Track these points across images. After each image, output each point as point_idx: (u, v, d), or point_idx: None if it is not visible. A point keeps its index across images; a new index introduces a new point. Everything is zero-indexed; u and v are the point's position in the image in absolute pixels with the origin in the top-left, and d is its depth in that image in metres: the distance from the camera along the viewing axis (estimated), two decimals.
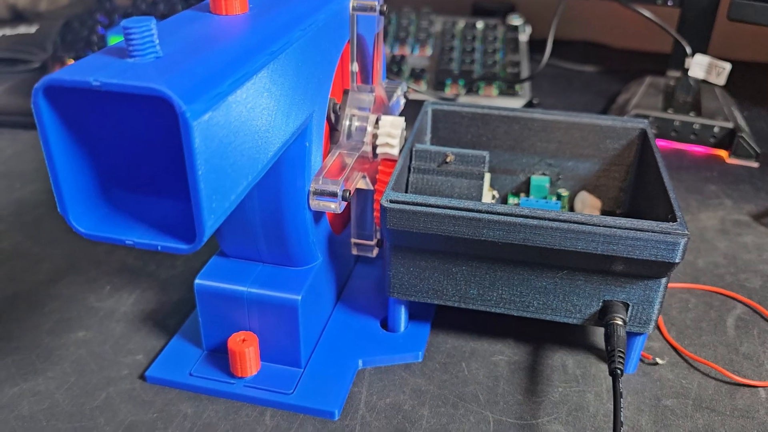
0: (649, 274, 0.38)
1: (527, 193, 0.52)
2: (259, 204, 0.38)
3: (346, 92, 0.43)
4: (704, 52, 0.79)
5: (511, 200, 0.52)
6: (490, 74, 0.81)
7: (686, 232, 0.36)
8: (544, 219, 0.37)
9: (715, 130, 0.70)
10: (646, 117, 0.71)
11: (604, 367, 0.42)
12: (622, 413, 0.35)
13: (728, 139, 0.69)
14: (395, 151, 0.44)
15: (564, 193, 0.51)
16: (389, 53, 0.87)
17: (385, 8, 0.42)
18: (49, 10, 0.91)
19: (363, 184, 0.43)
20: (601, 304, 0.39)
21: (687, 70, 0.71)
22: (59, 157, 0.27)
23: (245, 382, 0.40)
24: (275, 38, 0.32)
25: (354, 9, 0.41)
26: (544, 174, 0.52)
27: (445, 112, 0.51)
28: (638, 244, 0.36)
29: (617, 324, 0.38)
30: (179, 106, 0.24)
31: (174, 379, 0.41)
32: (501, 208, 0.38)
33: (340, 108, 0.42)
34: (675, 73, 0.82)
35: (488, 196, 0.49)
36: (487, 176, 0.48)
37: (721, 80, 0.69)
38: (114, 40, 0.74)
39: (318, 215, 0.41)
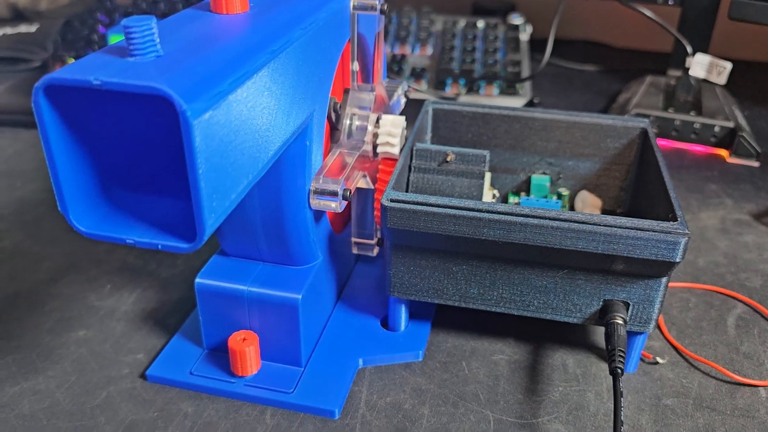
0: (649, 273, 0.38)
1: (528, 193, 0.52)
2: (259, 203, 0.38)
3: (346, 91, 0.43)
4: (705, 51, 0.79)
5: (512, 199, 0.52)
6: (491, 73, 0.81)
7: (687, 232, 0.36)
8: (545, 218, 0.37)
9: (716, 129, 0.70)
10: (646, 116, 0.71)
11: (605, 366, 0.42)
12: (622, 412, 0.35)
13: (729, 139, 0.69)
14: (396, 150, 0.44)
15: (564, 192, 0.51)
16: (390, 52, 0.87)
17: (385, 7, 0.42)
18: (50, 9, 0.91)
19: (363, 183, 0.43)
20: (601, 303, 0.39)
21: (688, 69, 0.71)
22: (60, 156, 0.27)
23: (246, 381, 0.40)
24: (276, 37, 0.32)
25: (355, 8, 0.41)
26: (544, 173, 0.52)
27: (445, 112, 0.51)
28: (639, 244, 0.36)
29: (618, 323, 0.38)
30: (180, 104, 0.24)
31: (174, 378, 0.41)
32: (501, 207, 0.38)
33: (340, 107, 0.42)
34: (676, 73, 0.82)
35: (489, 195, 0.49)
36: (488, 175, 0.48)
37: (722, 79, 0.69)
38: (114, 39, 0.74)
39: (318, 214, 0.41)
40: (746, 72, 0.92)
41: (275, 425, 0.38)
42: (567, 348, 0.44)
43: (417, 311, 0.46)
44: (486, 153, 0.45)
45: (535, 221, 0.37)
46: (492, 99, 0.78)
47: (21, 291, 0.49)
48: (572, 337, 0.45)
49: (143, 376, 0.41)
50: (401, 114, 0.52)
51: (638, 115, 0.71)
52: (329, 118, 0.41)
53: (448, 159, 0.46)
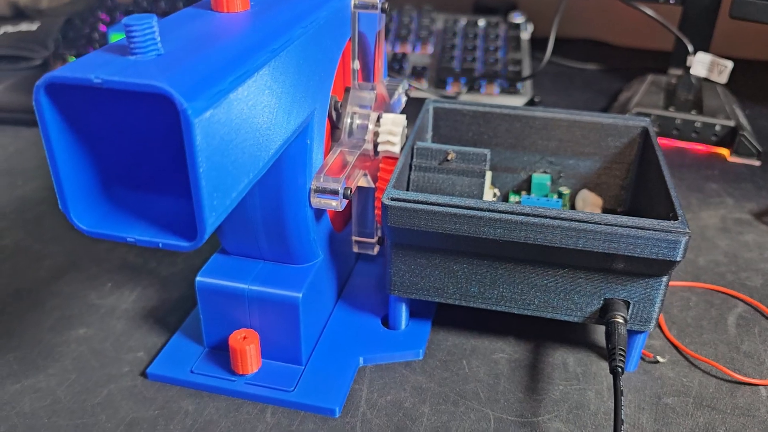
0: (650, 272, 0.38)
1: (528, 191, 0.52)
2: (260, 201, 0.38)
3: (347, 90, 0.43)
4: (706, 50, 0.79)
5: (513, 198, 0.52)
6: (492, 72, 0.81)
7: (687, 231, 0.36)
8: (546, 217, 0.37)
9: (717, 128, 0.69)
10: (647, 115, 0.71)
11: (605, 365, 0.42)
12: (622, 411, 0.35)
13: (730, 138, 0.69)
14: (396, 149, 0.44)
15: (565, 191, 0.51)
16: (390, 51, 0.87)
17: (386, 6, 0.42)
18: (51, 7, 0.91)
19: (364, 181, 0.43)
20: (602, 302, 0.39)
21: (689, 68, 0.71)
22: (61, 154, 0.27)
23: (246, 379, 0.40)
24: (276, 36, 0.32)
25: (355, 6, 0.41)
26: (545, 172, 0.52)
27: (446, 110, 0.51)
28: (639, 243, 0.36)
29: (618, 322, 0.38)
30: (180, 103, 0.24)
31: (175, 376, 0.41)
32: (502, 206, 0.38)
33: (341, 106, 0.42)
34: (677, 71, 0.82)
35: (489, 194, 0.49)
36: (489, 174, 0.48)
37: (723, 78, 0.69)
38: (115, 37, 0.74)
39: (319, 213, 0.41)
40: (747, 71, 0.92)
41: (276, 423, 0.38)
42: (567, 347, 0.44)
43: (417, 310, 0.46)
44: (487, 152, 0.45)
45: (536, 220, 0.37)
46: (493, 98, 0.78)
47: (22, 289, 0.49)
48: (573, 335, 0.45)
49: (144, 374, 0.41)
50: (402, 113, 0.52)
51: (639, 113, 0.71)
52: (330, 116, 0.41)
53: (449, 158, 0.46)
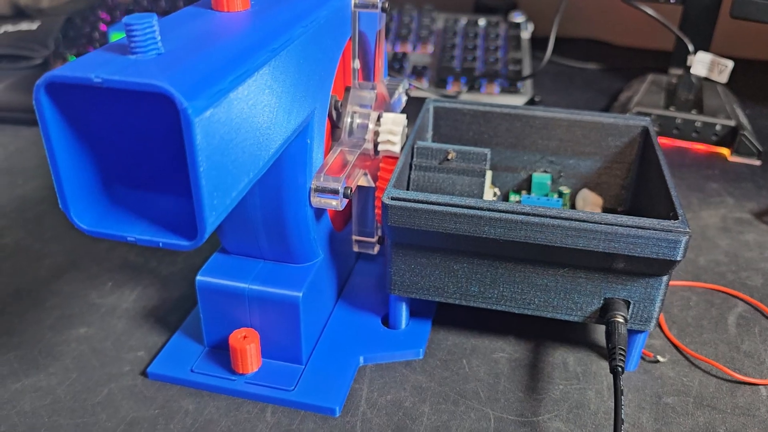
0: (650, 271, 0.38)
1: (529, 191, 0.52)
2: (260, 201, 0.38)
3: (347, 89, 0.43)
4: (706, 49, 0.79)
5: (513, 198, 0.52)
6: (492, 71, 0.81)
7: (688, 230, 0.36)
8: (546, 216, 0.37)
9: (717, 127, 0.69)
10: (647, 115, 0.71)
11: (605, 364, 0.42)
12: (622, 411, 0.35)
13: (730, 137, 0.69)
14: (397, 149, 0.44)
15: (565, 190, 0.51)
16: (391, 50, 0.87)
17: (386, 5, 0.42)
18: (51, 6, 0.91)
19: (364, 181, 0.43)
20: (602, 301, 0.39)
21: (689, 67, 0.71)
22: (61, 153, 0.27)
23: (246, 378, 0.40)
24: (277, 35, 0.32)
25: (356, 6, 0.41)
26: (545, 171, 0.52)
27: (446, 110, 0.51)
28: (640, 242, 0.36)
29: (618, 321, 0.38)
30: (181, 102, 0.24)
31: (175, 376, 0.41)
32: (502, 205, 0.38)
33: (341, 105, 0.42)
34: (677, 71, 0.82)
35: (490, 193, 0.49)
36: (489, 174, 0.48)
37: (723, 78, 0.69)
38: (116, 36, 0.74)
39: (319, 212, 0.41)
40: (748, 70, 0.92)
41: (276, 423, 0.38)
42: (567, 346, 0.44)
43: (418, 309, 0.46)
44: (487, 151, 0.45)
45: (536, 219, 0.37)
46: (493, 97, 0.78)
47: (22, 288, 0.49)
48: (573, 335, 0.45)
49: (144, 373, 0.41)
50: (402, 112, 0.52)
51: (639, 113, 0.71)
52: (330, 116, 0.41)
53: (449, 157, 0.46)
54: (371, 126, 0.43)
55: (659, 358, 0.43)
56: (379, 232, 0.47)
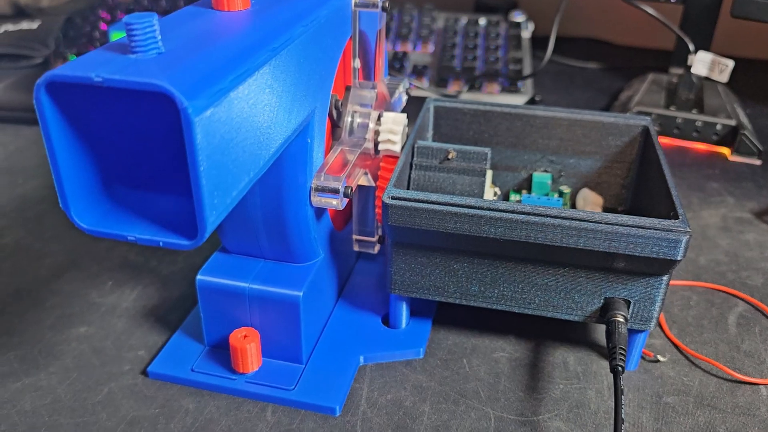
0: (650, 271, 0.38)
1: (529, 190, 0.52)
2: (260, 200, 0.38)
3: (348, 89, 0.43)
4: (707, 49, 0.79)
5: (513, 197, 0.52)
6: (493, 71, 0.81)
7: (688, 230, 0.36)
8: (546, 216, 0.37)
9: (718, 127, 0.69)
10: (648, 114, 0.71)
11: (606, 364, 0.42)
12: (623, 410, 0.35)
13: (731, 137, 0.69)
14: (397, 148, 0.44)
15: (566, 190, 0.51)
16: (391, 50, 0.87)
17: (387, 4, 0.42)
18: (52, 5, 0.91)
19: (365, 180, 0.43)
20: (602, 301, 0.39)
21: (690, 67, 0.71)
22: (61, 152, 0.27)
23: (247, 378, 0.40)
24: (277, 34, 0.32)
25: (356, 5, 0.41)
26: (546, 171, 0.52)
27: (447, 109, 0.51)
28: (640, 242, 0.36)
29: (619, 321, 0.38)
30: (181, 102, 0.24)
31: (176, 375, 0.41)
32: (503, 205, 0.38)
33: (342, 104, 0.42)
34: (678, 70, 0.82)
35: (490, 193, 0.49)
36: (489, 173, 0.48)
37: (724, 77, 0.69)
38: (116, 36, 0.74)
39: (319, 212, 0.41)
40: (748, 70, 0.92)
41: (276, 422, 0.38)
42: (568, 346, 0.44)
43: (418, 309, 0.46)
44: (487, 150, 0.45)
45: (537, 219, 0.37)
46: (493, 96, 0.78)
47: (22, 288, 0.49)
48: (573, 334, 0.45)
49: (144, 372, 0.41)
50: (403, 111, 0.52)
51: (640, 112, 0.71)
52: (330, 115, 0.41)
53: (450, 156, 0.46)
54: (372, 125, 0.43)
55: (659, 357, 0.43)
56: (380, 232, 0.47)
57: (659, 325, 0.46)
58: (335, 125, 0.42)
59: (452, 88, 0.79)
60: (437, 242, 0.39)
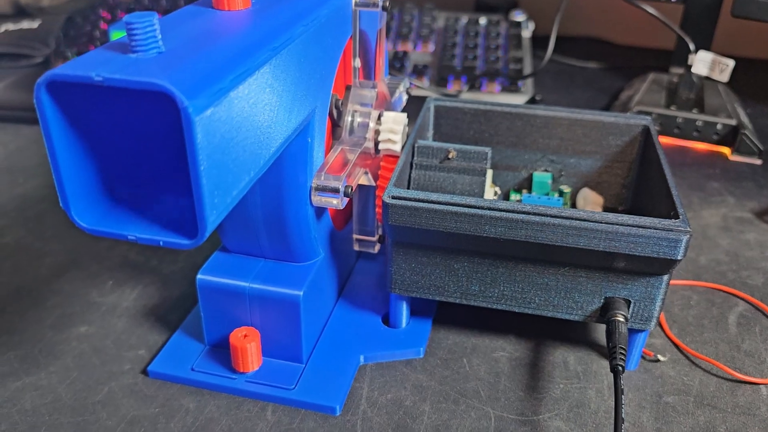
0: (651, 271, 0.38)
1: (529, 190, 0.52)
2: (261, 200, 0.38)
3: (348, 88, 0.43)
4: (708, 48, 0.79)
5: (513, 197, 0.52)
6: (493, 70, 0.81)
7: (688, 230, 0.36)
8: (546, 216, 0.37)
9: (718, 127, 0.69)
10: (648, 114, 0.71)
11: (606, 363, 0.42)
12: (623, 410, 0.35)
13: (731, 136, 0.69)
14: (397, 147, 0.44)
15: (566, 189, 0.51)
16: (392, 49, 0.87)
17: (387, 4, 0.42)
18: (52, 5, 0.91)
19: (365, 180, 0.43)
20: (602, 300, 0.39)
21: (690, 66, 0.71)
22: (62, 152, 0.27)
23: (247, 377, 0.40)
24: (277, 34, 0.32)
25: (356, 5, 0.41)
26: (546, 170, 0.52)
27: (447, 109, 0.51)
28: (640, 241, 0.36)
29: (619, 321, 0.38)
30: (181, 101, 0.24)
31: (176, 374, 0.41)
32: (503, 204, 0.37)
33: (342, 104, 0.42)
34: (678, 70, 0.82)
35: (490, 192, 0.49)
36: (490, 173, 0.48)
37: (725, 77, 0.69)
38: (116, 35, 0.74)
39: (320, 211, 0.41)
40: (749, 69, 0.91)
41: (276, 421, 0.38)
42: (568, 345, 0.44)
43: (418, 308, 0.46)
44: (488, 150, 0.45)
45: (537, 218, 0.37)
46: (494, 96, 0.78)
47: (23, 287, 0.49)
48: (573, 334, 0.45)
49: (145, 371, 0.41)
50: (403, 111, 0.52)
51: (640, 112, 0.71)
52: (331, 114, 0.41)
53: (450, 156, 0.46)
54: (372, 125, 0.43)
55: (660, 357, 0.43)
56: (380, 231, 0.47)
57: (659, 324, 0.46)
58: (335, 125, 0.42)
59: (452, 88, 0.79)
60: (437, 242, 0.39)
